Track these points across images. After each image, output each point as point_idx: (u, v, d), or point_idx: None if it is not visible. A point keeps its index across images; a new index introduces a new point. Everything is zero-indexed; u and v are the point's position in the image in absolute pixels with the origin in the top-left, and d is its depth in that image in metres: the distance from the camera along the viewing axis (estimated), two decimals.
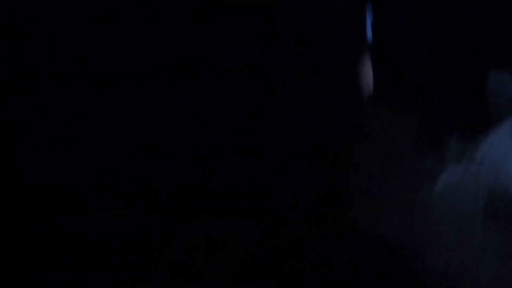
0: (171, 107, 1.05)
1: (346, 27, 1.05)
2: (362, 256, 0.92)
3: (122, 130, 1.04)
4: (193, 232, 0.98)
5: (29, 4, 1.06)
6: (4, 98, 1.03)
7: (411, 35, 0.92)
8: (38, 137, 1.02)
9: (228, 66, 1.07)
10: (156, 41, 1.07)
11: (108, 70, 1.06)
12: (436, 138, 0.87)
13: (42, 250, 0.96)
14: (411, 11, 0.91)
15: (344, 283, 0.92)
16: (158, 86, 1.06)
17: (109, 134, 1.03)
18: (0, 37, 1.04)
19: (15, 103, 1.03)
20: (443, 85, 0.90)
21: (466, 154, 0.83)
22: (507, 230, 0.79)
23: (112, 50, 1.06)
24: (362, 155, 0.94)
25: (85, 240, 0.97)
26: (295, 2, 1.11)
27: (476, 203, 0.80)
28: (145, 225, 0.98)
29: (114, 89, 1.05)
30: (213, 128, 1.05)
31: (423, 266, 0.84)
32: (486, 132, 0.83)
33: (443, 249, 0.82)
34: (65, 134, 1.03)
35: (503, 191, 0.79)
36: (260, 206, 1.00)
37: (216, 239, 0.98)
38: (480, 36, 0.87)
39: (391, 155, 0.91)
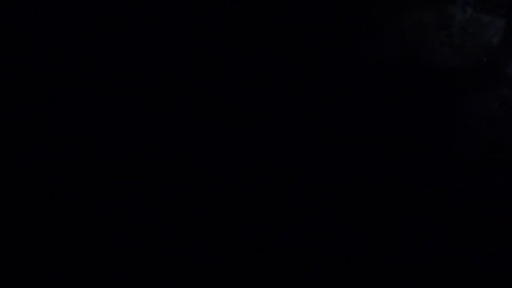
0: (172, 108, 1.06)
1: None
2: None
3: (123, 131, 1.04)
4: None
5: (29, 4, 1.06)
6: (4, 98, 1.03)
7: None
8: (38, 137, 1.02)
9: (230, 67, 1.08)
10: (157, 42, 1.07)
11: (109, 71, 1.06)
12: None
13: (42, 251, 0.96)
14: None
15: None
16: (159, 86, 1.07)
17: (110, 135, 1.03)
18: (0, 37, 1.04)
19: (15, 103, 1.03)
20: None
21: None
22: None
23: (112, 51, 1.06)
24: None
25: (84, 240, 0.97)
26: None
27: None
28: (145, 225, 0.99)
29: (115, 89, 1.05)
30: (212, 131, 1.06)
31: None
32: None
33: None
34: (66, 135, 1.03)
35: None
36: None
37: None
38: None
39: None
